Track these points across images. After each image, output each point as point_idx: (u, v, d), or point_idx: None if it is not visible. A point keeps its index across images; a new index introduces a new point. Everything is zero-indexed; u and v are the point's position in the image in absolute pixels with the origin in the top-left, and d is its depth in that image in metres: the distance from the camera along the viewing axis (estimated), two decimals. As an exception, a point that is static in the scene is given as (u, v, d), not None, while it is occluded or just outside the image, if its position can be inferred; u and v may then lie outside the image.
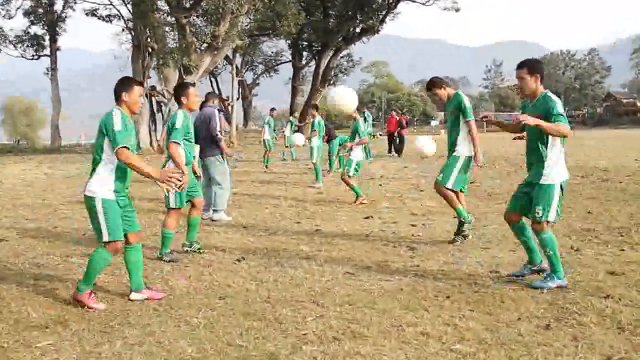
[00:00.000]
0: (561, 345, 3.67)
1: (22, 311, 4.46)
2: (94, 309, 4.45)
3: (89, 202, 4.52)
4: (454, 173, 6.64)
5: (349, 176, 9.96)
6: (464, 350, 3.62)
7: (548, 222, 4.82)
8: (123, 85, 4.66)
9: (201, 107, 9.02)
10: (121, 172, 4.56)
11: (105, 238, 4.49)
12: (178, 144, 6.01)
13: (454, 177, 6.63)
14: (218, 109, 8.78)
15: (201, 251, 6.41)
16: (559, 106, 4.71)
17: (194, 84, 6.76)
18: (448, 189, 6.62)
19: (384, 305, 4.50)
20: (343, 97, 8.20)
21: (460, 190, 6.77)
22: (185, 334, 3.97)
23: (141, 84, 4.80)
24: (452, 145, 6.74)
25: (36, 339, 3.91)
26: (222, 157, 8.58)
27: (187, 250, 6.37)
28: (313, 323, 4.14)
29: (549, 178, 4.80)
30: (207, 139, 8.43)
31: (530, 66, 4.89)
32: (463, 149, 6.67)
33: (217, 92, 49.62)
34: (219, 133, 8.41)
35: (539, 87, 4.90)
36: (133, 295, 4.73)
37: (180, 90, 6.32)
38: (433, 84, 6.91)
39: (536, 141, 4.87)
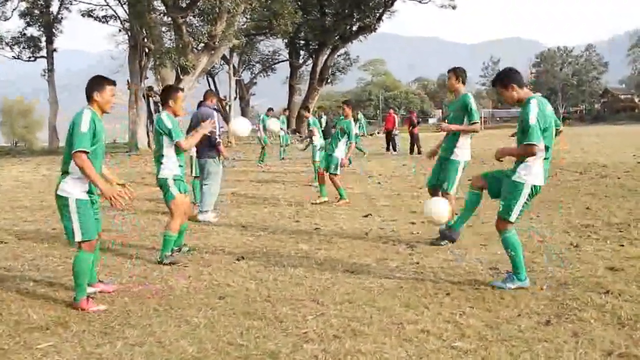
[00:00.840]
0: (562, 341, 3.67)
1: (22, 313, 4.46)
2: (95, 312, 4.44)
3: (62, 201, 4.52)
4: (457, 179, 6.75)
5: (335, 174, 9.86)
6: (465, 347, 3.62)
7: (511, 222, 4.80)
8: (95, 84, 4.61)
9: (199, 105, 8.98)
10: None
11: (78, 238, 4.51)
12: (181, 140, 6.00)
13: (457, 183, 6.77)
14: (215, 109, 8.71)
15: (191, 252, 6.40)
16: (531, 115, 4.62)
17: (182, 89, 6.67)
18: (453, 195, 6.73)
19: (384, 303, 4.51)
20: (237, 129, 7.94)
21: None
22: (186, 334, 3.97)
23: (113, 83, 4.73)
24: (451, 146, 6.73)
25: (37, 340, 3.91)
26: (218, 159, 8.54)
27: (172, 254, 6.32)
28: (313, 321, 4.15)
29: (522, 177, 4.75)
30: (204, 140, 8.38)
31: (501, 80, 4.88)
32: (464, 152, 6.69)
33: (214, 92, 49.70)
34: (218, 137, 8.35)
35: (521, 93, 4.82)
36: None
37: (169, 93, 6.23)
38: (454, 71, 6.83)
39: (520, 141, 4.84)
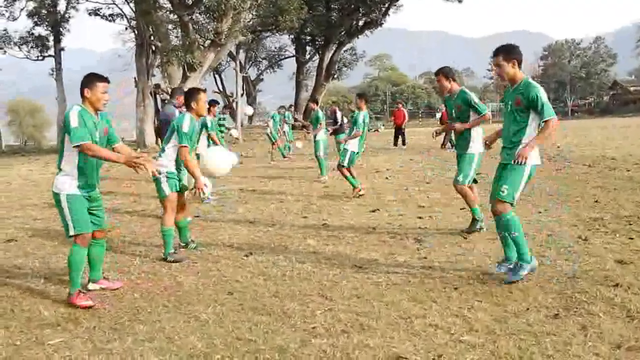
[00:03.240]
0: (570, 334, 3.67)
1: (33, 310, 4.51)
2: (85, 307, 4.48)
3: (56, 197, 4.62)
4: (472, 171, 6.72)
5: (343, 166, 9.98)
6: (473, 341, 3.63)
7: (512, 204, 4.79)
8: (86, 82, 4.65)
9: (164, 102, 8.91)
10: (85, 168, 4.60)
11: (72, 232, 4.58)
12: (186, 147, 5.92)
13: (472, 174, 6.73)
14: (176, 106, 8.58)
15: (198, 248, 6.42)
16: (542, 94, 4.66)
17: (205, 90, 6.64)
18: (467, 186, 6.70)
19: (392, 298, 4.52)
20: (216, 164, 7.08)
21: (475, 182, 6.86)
22: (195, 330, 3.99)
23: (106, 80, 4.73)
24: (464, 141, 6.71)
25: (48, 336, 3.95)
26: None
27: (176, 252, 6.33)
28: (322, 316, 4.16)
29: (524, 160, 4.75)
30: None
31: (506, 51, 4.84)
32: (477, 145, 6.67)
33: (221, 88, 49.78)
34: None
35: (518, 72, 4.86)
36: (91, 286, 4.95)
37: (191, 95, 6.22)
38: (442, 73, 6.85)
39: (514, 128, 4.86)
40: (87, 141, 4.46)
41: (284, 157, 19.29)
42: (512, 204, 4.80)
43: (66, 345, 3.80)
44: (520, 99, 4.73)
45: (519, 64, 4.84)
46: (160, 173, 5.94)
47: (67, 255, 4.66)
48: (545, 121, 4.67)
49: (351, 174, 10.14)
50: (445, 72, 6.84)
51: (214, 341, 3.77)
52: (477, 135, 6.70)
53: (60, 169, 4.64)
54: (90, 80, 4.66)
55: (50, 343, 3.83)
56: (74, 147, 4.46)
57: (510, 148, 4.87)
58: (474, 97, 6.69)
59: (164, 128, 8.24)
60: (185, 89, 8.29)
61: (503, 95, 5.34)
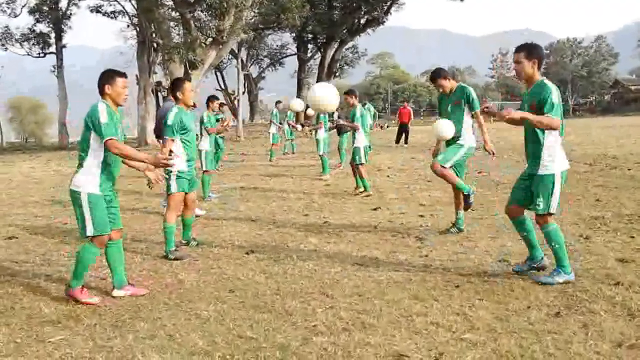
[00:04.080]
0: (571, 332, 3.67)
1: (34, 307, 4.51)
2: (88, 304, 4.47)
3: (75, 195, 4.51)
4: (455, 158, 6.55)
5: (362, 164, 9.98)
6: (474, 339, 3.63)
7: (551, 214, 4.72)
8: (106, 78, 4.61)
9: (164, 99, 8.91)
10: (108, 166, 4.54)
11: (90, 232, 4.48)
12: (171, 139, 6.01)
13: (453, 161, 6.52)
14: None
15: (200, 246, 6.44)
16: (554, 95, 4.57)
17: (189, 79, 6.68)
18: (447, 168, 6.52)
19: (393, 296, 4.52)
20: (323, 96, 7.46)
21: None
22: (196, 327, 3.99)
23: (124, 75, 4.73)
24: (457, 134, 6.67)
25: (49, 334, 3.95)
26: None
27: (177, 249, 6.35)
28: (323, 314, 4.16)
29: (548, 168, 4.69)
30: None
31: (529, 50, 4.75)
32: (468, 139, 6.61)
33: (222, 86, 49.76)
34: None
35: (536, 72, 4.77)
36: (115, 292, 4.74)
37: (176, 85, 6.28)
38: (437, 75, 6.81)
39: (532, 130, 4.75)
40: (115, 136, 4.43)
41: (283, 154, 19.26)
42: (551, 214, 4.72)
43: (67, 342, 3.80)
44: (535, 102, 4.63)
45: (539, 65, 4.75)
46: (170, 172, 6.02)
47: (78, 250, 4.59)
48: (549, 115, 4.52)
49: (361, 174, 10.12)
50: (439, 73, 6.74)
51: (215, 339, 3.77)
52: (467, 130, 6.60)
53: (81, 166, 4.52)
54: (110, 76, 4.62)
55: (51, 340, 3.82)
56: (105, 142, 4.38)
57: (533, 158, 4.78)
58: (473, 93, 6.63)
59: (160, 123, 8.24)
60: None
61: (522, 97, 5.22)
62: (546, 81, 4.70)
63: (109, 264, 4.79)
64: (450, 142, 6.74)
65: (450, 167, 6.51)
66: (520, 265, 5.08)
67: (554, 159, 4.70)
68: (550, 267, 4.87)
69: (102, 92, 4.61)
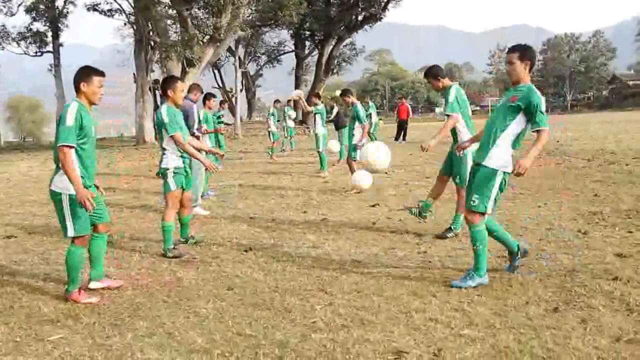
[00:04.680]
0: (570, 327, 3.68)
1: (33, 306, 4.51)
2: (88, 304, 4.46)
3: (55, 196, 4.49)
4: (467, 171, 6.52)
5: (354, 160, 10.04)
6: (473, 335, 3.63)
7: (483, 214, 4.60)
8: (82, 75, 4.54)
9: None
10: (83, 164, 4.50)
11: (71, 233, 4.48)
12: (175, 134, 5.98)
13: (467, 174, 6.52)
14: (194, 101, 8.63)
15: (199, 244, 6.44)
16: (543, 104, 4.52)
17: (181, 78, 6.68)
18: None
19: (391, 292, 4.52)
20: (377, 160, 7.22)
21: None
22: (195, 325, 3.99)
23: (102, 74, 4.63)
24: (455, 141, 6.62)
25: (48, 332, 3.95)
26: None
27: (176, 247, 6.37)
28: (322, 311, 4.16)
29: (494, 162, 4.58)
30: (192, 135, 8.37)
31: (523, 51, 4.66)
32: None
33: (220, 84, 49.73)
34: (196, 131, 8.33)
35: (527, 75, 4.67)
36: (93, 284, 4.81)
37: (167, 83, 6.25)
38: (429, 74, 6.63)
39: (494, 125, 4.66)
40: (71, 143, 4.33)
41: (281, 150, 19.18)
42: (483, 214, 4.61)
43: (66, 341, 3.80)
44: (519, 98, 4.54)
45: (531, 68, 4.68)
46: (167, 169, 6.04)
47: (65, 256, 4.59)
48: (539, 131, 4.47)
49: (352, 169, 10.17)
50: (430, 73, 6.58)
51: (213, 336, 3.77)
52: (465, 134, 6.49)
53: (59, 167, 4.48)
54: (87, 73, 4.56)
55: (50, 339, 3.82)
56: (57, 146, 4.33)
57: (487, 147, 4.66)
58: (451, 96, 6.36)
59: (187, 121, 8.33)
60: (196, 83, 8.30)
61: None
62: (534, 87, 4.60)
63: (91, 255, 4.80)
64: (452, 151, 6.64)
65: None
66: (509, 264, 4.98)
67: (504, 157, 4.59)
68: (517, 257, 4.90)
69: (77, 89, 4.55)
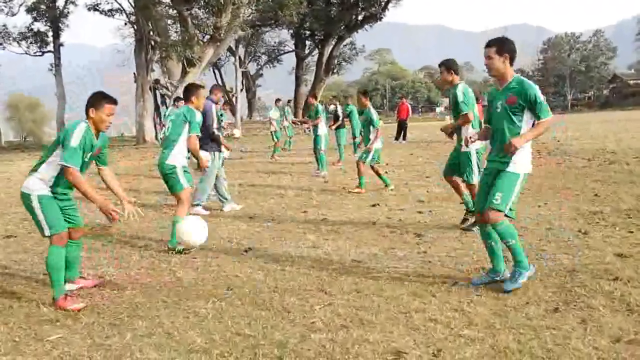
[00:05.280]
0: (570, 328, 3.67)
1: (32, 305, 4.50)
2: (75, 310, 4.35)
3: (25, 199, 4.47)
4: (474, 168, 6.58)
5: (363, 162, 9.95)
6: (473, 335, 3.62)
7: (504, 212, 4.48)
8: (93, 101, 4.50)
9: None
10: (62, 179, 4.46)
11: (47, 233, 4.45)
12: (195, 135, 6.35)
13: (475, 171, 6.57)
14: (214, 102, 8.69)
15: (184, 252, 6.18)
16: (539, 92, 4.43)
17: (203, 87, 6.96)
18: (476, 184, 6.51)
19: (391, 292, 4.51)
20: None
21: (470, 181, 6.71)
22: (194, 325, 3.99)
23: (115, 102, 4.58)
24: (460, 138, 6.64)
25: (47, 332, 3.95)
26: (216, 154, 8.51)
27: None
28: (321, 311, 4.16)
29: (517, 167, 4.48)
30: (203, 132, 8.41)
31: (499, 45, 4.55)
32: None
33: (220, 83, 49.78)
34: (215, 130, 8.38)
35: (509, 68, 4.57)
36: (67, 286, 4.72)
37: (191, 90, 6.57)
38: (444, 64, 6.75)
39: (506, 129, 4.53)
40: (76, 166, 4.34)
41: (281, 149, 19.08)
42: (503, 213, 4.49)
43: (65, 341, 3.79)
44: (516, 97, 4.45)
45: (512, 60, 4.56)
46: (175, 167, 6.20)
47: (45, 258, 4.53)
48: (542, 121, 4.42)
49: (360, 172, 10.08)
50: (448, 65, 6.71)
51: (213, 336, 3.76)
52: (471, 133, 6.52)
53: (36, 170, 4.48)
54: (98, 100, 4.51)
55: (49, 339, 3.82)
56: (64, 167, 4.33)
57: (503, 155, 4.52)
58: (460, 95, 6.51)
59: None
60: (218, 84, 8.49)
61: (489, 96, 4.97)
62: (524, 79, 4.52)
63: (65, 260, 4.64)
64: (458, 149, 6.67)
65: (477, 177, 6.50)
66: (481, 276, 4.78)
67: (524, 159, 4.51)
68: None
69: (86, 114, 4.52)
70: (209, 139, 8.37)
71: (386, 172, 12.65)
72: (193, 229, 5.79)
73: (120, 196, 4.81)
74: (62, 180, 4.48)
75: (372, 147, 9.85)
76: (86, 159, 4.54)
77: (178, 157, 6.25)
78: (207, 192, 8.63)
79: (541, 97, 4.44)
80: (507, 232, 4.48)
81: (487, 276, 4.72)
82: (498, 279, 4.65)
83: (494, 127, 4.67)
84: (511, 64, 4.57)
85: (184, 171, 6.27)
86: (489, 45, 4.60)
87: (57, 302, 4.46)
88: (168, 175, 6.24)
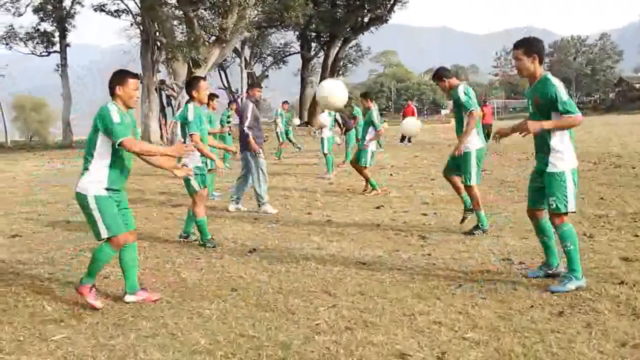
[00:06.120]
0: (575, 332, 3.65)
1: (37, 305, 4.51)
2: (91, 306, 4.36)
3: (82, 200, 4.36)
4: (473, 170, 6.54)
5: (365, 166, 9.97)
6: (477, 338, 3.61)
7: (566, 213, 4.51)
8: (117, 79, 4.47)
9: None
10: (116, 169, 4.40)
11: (104, 235, 4.34)
12: (196, 134, 6.26)
13: (474, 173, 6.54)
14: (253, 101, 8.69)
15: (198, 242, 6.55)
16: (561, 91, 4.42)
17: (205, 78, 6.90)
18: (475, 185, 6.52)
19: (395, 295, 4.50)
20: (332, 90, 7.61)
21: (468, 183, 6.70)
22: (198, 326, 3.99)
23: (137, 76, 4.59)
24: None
25: (51, 332, 3.95)
26: (254, 152, 8.50)
27: (182, 240, 6.67)
28: (325, 313, 4.15)
29: (557, 165, 4.51)
30: (241, 132, 8.48)
31: (527, 46, 4.59)
32: (472, 141, 6.52)
33: (226, 84, 49.81)
34: (246, 128, 8.39)
35: (538, 68, 4.60)
36: (127, 298, 4.55)
37: (192, 84, 6.51)
38: (435, 76, 6.81)
39: (541, 132, 4.55)
40: (129, 136, 4.29)
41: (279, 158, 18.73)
42: (566, 214, 4.52)
43: (69, 340, 3.79)
44: (539, 97, 4.50)
45: (540, 60, 4.59)
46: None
47: (94, 249, 4.47)
48: (569, 116, 4.39)
49: (366, 177, 10.09)
50: (437, 75, 6.75)
51: (217, 337, 3.76)
52: (472, 133, 6.50)
53: (87, 169, 4.36)
54: (122, 77, 4.48)
55: (53, 339, 3.82)
56: (118, 145, 4.23)
57: (543, 156, 4.61)
58: (461, 95, 6.48)
59: (241, 119, 8.59)
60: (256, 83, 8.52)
61: (525, 93, 5.00)
62: (550, 76, 4.54)
63: (123, 268, 4.59)
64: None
65: (477, 179, 6.56)
66: (535, 270, 4.93)
67: (564, 156, 4.51)
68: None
69: (112, 93, 4.47)
70: (245, 139, 8.43)
71: (391, 175, 12.66)
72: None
73: (169, 168, 4.87)
74: (116, 175, 4.40)
75: (368, 145, 9.91)
76: (133, 134, 4.46)
77: (190, 159, 6.27)
78: (265, 188, 8.59)
79: (563, 95, 4.40)
80: (568, 236, 4.50)
81: (539, 270, 4.87)
82: (551, 272, 4.78)
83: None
84: (540, 63, 4.60)
85: (197, 174, 6.24)
86: (516, 47, 4.65)
87: (80, 287, 4.42)
88: (185, 179, 6.23)
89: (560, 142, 4.51)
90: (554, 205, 4.49)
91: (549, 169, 4.54)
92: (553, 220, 4.58)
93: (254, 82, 50.98)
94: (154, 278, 5.19)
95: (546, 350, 3.40)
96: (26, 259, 6.07)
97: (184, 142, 6.28)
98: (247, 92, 8.97)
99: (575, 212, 4.60)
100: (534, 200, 4.80)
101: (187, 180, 6.26)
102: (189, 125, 6.24)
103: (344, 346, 3.56)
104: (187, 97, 6.61)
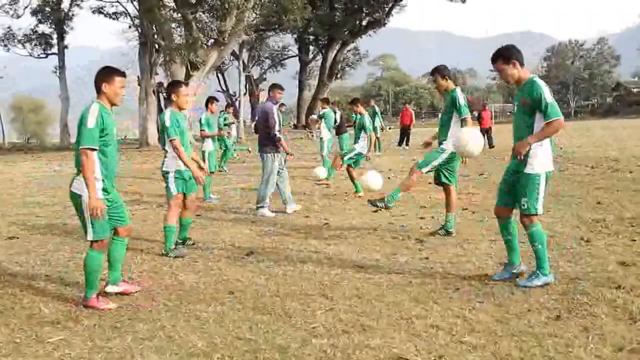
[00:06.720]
0: (572, 336, 3.65)
1: (34, 307, 4.50)
2: (105, 310, 4.39)
3: (76, 199, 4.39)
4: (434, 163, 6.59)
5: (352, 166, 10.07)
6: (474, 342, 3.61)
7: (536, 214, 4.63)
8: (103, 76, 4.46)
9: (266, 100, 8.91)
10: (106, 168, 4.43)
11: (90, 237, 4.41)
12: (175, 138, 6.03)
13: (431, 166, 6.60)
14: (275, 103, 8.65)
15: (195, 246, 6.48)
16: (546, 93, 4.49)
17: (187, 83, 6.82)
18: (422, 173, 6.66)
19: (393, 298, 4.50)
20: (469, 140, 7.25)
21: (449, 183, 6.84)
22: (195, 329, 3.98)
23: (124, 74, 4.57)
24: (443, 138, 6.67)
25: (48, 334, 3.94)
26: (274, 156, 8.49)
27: (177, 248, 6.45)
28: (322, 316, 4.15)
29: (535, 167, 4.59)
30: (263, 134, 8.44)
31: (503, 55, 4.70)
32: (450, 144, 6.52)
33: (224, 87, 49.82)
34: (277, 133, 8.38)
35: (522, 71, 4.69)
36: (109, 288, 4.70)
37: (172, 87, 6.35)
38: (437, 70, 6.78)
39: (521, 130, 4.65)
40: (94, 145, 4.26)
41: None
42: (536, 215, 4.63)
43: (66, 343, 3.79)
44: (525, 98, 4.58)
45: (521, 63, 4.68)
46: (168, 172, 6.15)
47: (84, 260, 4.50)
48: (550, 121, 4.46)
49: (351, 177, 10.17)
50: (439, 70, 6.76)
51: (214, 340, 3.76)
52: (452, 135, 6.49)
53: (80, 170, 4.37)
54: (109, 73, 4.48)
55: (50, 341, 3.82)
56: (80, 148, 4.26)
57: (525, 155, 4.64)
58: (460, 99, 6.51)
59: (260, 123, 8.60)
60: (276, 84, 8.47)
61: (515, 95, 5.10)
62: (536, 79, 4.63)
63: (109, 259, 4.71)
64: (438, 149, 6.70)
65: (428, 171, 6.64)
66: (500, 272, 5.00)
67: (542, 160, 4.60)
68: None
69: (98, 90, 4.47)
70: (269, 141, 8.38)
71: (388, 178, 12.66)
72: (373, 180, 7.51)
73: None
74: (105, 172, 4.42)
75: (356, 146, 10.01)
76: (114, 138, 4.48)
77: (170, 162, 6.18)
78: (269, 193, 8.60)
79: (548, 97, 4.48)
80: (537, 236, 4.65)
81: (505, 272, 4.95)
82: (515, 271, 4.87)
83: (513, 126, 4.83)
84: (522, 66, 4.70)
85: (177, 178, 6.12)
86: (494, 61, 4.78)
87: (88, 301, 4.45)
88: (164, 179, 6.26)
89: (539, 144, 4.59)
90: (526, 206, 4.63)
91: (527, 169, 4.63)
92: (523, 221, 4.70)
93: (252, 85, 51.06)
94: (151, 281, 5.19)
95: (543, 355, 3.40)
96: (23, 260, 6.06)
97: (164, 149, 6.26)
98: (268, 93, 8.84)
99: (542, 213, 4.69)
100: (505, 199, 4.88)
101: (166, 185, 6.19)
102: (168, 131, 6.05)
103: (341, 349, 3.56)
104: None
